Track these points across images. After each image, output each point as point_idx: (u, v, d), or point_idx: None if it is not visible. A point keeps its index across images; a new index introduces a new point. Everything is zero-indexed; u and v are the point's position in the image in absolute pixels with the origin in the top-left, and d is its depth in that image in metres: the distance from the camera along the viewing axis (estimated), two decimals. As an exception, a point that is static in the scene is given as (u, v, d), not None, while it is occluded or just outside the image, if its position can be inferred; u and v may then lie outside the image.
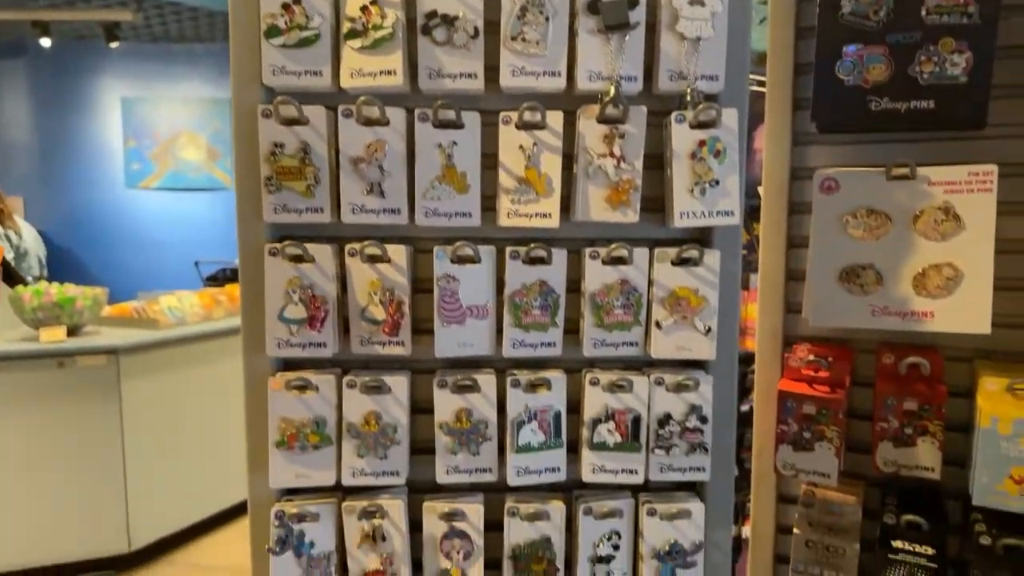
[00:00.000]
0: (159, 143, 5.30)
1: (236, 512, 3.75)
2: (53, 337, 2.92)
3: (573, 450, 0.78)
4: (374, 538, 0.75)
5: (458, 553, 0.76)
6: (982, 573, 0.78)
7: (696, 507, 0.76)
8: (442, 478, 0.75)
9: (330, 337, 0.74)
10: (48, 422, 3.05)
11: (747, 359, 1.04)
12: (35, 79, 5.36)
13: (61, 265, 4.88)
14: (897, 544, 0.82)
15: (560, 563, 0.77)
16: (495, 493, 0.79)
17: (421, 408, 0.78)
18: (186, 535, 3.61)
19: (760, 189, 0.98)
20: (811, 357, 0.88)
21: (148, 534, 3.38)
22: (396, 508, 0.75)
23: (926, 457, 0.84)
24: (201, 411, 3.59)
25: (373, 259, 0.74)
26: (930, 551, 0.81)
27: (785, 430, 0.87)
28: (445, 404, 0.75)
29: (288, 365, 0.78)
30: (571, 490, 0.80)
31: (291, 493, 0.78)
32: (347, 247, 0.74)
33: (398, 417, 0.74)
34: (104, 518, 3.24)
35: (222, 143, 5.28)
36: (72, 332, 3.08)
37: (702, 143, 0.72)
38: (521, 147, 0.71)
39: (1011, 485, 0.76)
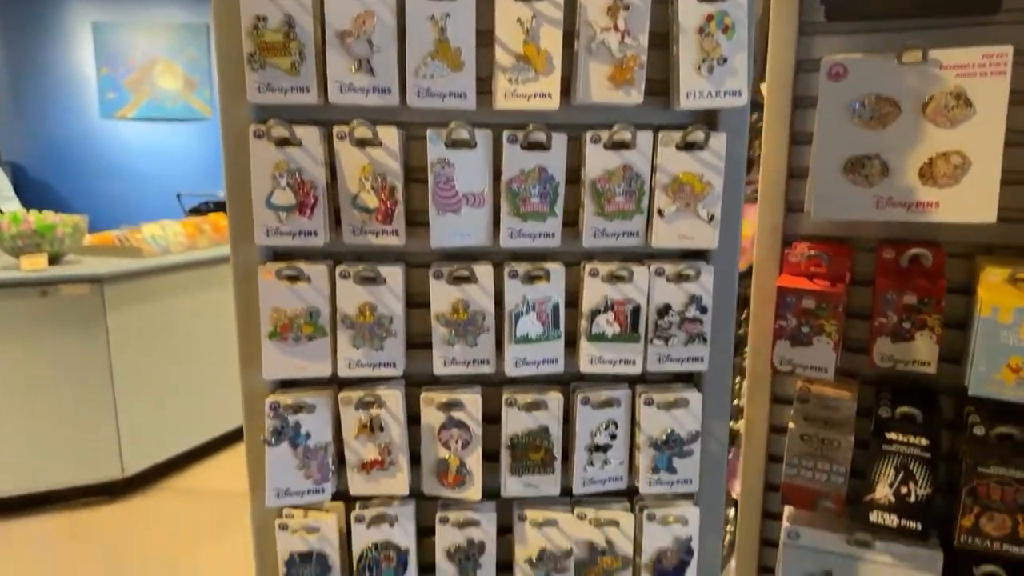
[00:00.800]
0: (134, 70, 5.11)
1: (228, 440, 3.79)
2: (34, 265, 2.86)
3: (571, 343, 0.77)
4: (372, 428, 0.74)
5: (456, 443, 0.76)
6: (975, 461, 0.79)
7: (694, 397, 0.76)
8: (439, 369, 0.74)
9: (320, 225, 0.71)
10: (33, 351, 3.03)
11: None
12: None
13: (38, 199, 4.77)
14: (891, 436, 0.83)
15: (557, 452, 0.77)
16: (493, 387, 0.78)
17: (416, 302, 0.76)
18: (179, 462, 3.65)
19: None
20: (811, 252, 0.87)
21: (141, 461, 3.41)
22: (394, 398, 0.74)
23: (923, 351, 0.84)
24: (188, 340, 3.58)
25: (363, 143, 0.71)
26: (924, 442, 0.82)
27: (783, 325, 0.86)
28: (441, 295, 0.73)
29: (279, 256, 0.75)
30: (569, 383, 0.79)
31: (285, 387, 0.77)
32: (335, 130, 0.71)
33: (393, 308, 0.73)
34: (96, 445, 3.25)
35: (199, 72, 5.10)
36: (54, 261, 3.03)
37: (710, 17, 0.68)
38: (519, 20, 0.68)
39: (1008, 374, 0.76)
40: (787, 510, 0.93)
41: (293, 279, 0.72)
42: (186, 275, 3.52)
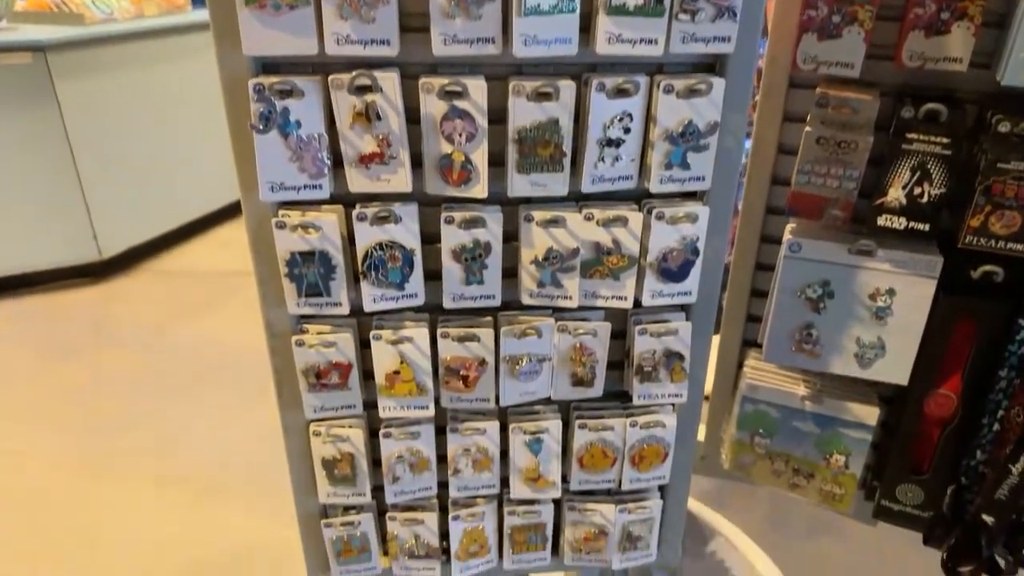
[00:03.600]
0: None
1: (208, 222, 3.74)
2: (-35, 25, 2.59)
3: (585, 28, 0.69)
4: (368, 117, 0.69)
5: (460, 136, 0.71)
6: (995, 158, 0.77)
7: (716, 82, 0.71)
8: (439, 49, 0.67)
9: None
10: (-18, 123, 2.83)
11: None
12: None
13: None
14: (912, 135, 0.80)
15: (567, 148, 0.72)
16: (499, 80, 0.72)
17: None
18: (159, 244, 3.63)
19: None
20: (852, -69, 0.77)
21: (118, 243, 3.38)
22: (390, 81, 0.67)
23: (957, 46, 0.78)
24: (149, 116, 3.40)
25: None
26: (945, 140, 0.78)
27: (812, 16, 0.79)
28: (440, -40, 0.64)
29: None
30: (581, 75, 0.73)
31: (269, 72, 0.70)
32: None
33: (386, -31, 0.63)
34: (68, 227, 3.19)
35: None
36: (-16, 22, 2.74)
37: None
38: None
39: (1050, 57, 0.71)
40: (789, 226, 0.92)
41: (267, -65, 0.62)
42: (136, 46, 3.25)
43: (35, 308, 3.01)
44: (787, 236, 0.90)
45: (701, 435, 1.20)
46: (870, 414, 0.97)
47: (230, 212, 3.69)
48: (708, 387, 1.12)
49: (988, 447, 0.91)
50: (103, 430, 2.26)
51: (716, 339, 1.08)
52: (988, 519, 0.91)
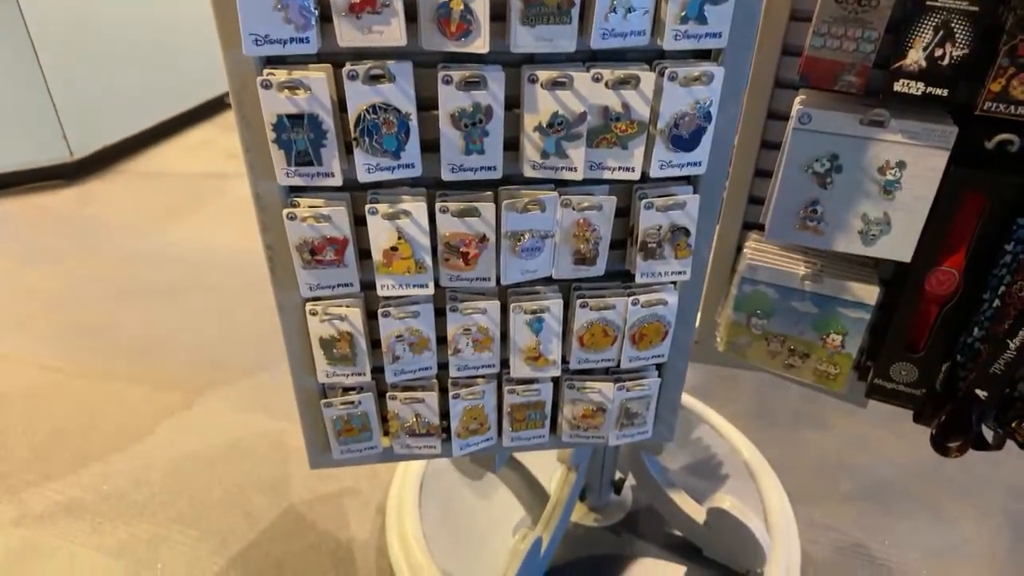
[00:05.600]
0: None
1: (184, 121, 3.60)
2: None
3: None
4: (358, -41, 0.62)
5: (459, -18, 0.65)
6: (1023, 15, 0.73)
7: (739, -76, 0.65)
8: None
9: None
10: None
11: None
12: None
13: None
14: (938, -9, 0.75)
15: (575, -1, 0.67)
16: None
17: None
18: (134, 144, 3.50)
19: None
20: None
21: (89, 143, 3.25)
22: (382, -83, 0.61)
23: None
24: (118, 8, 3.20)
25: None
26: (973, -5, 0.74)
27: None
28: None
29: None
30: (588, -83, 0.67)
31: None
32: None
33: None
34: (34, 126, 3.06)
35: None
36: None
37: None
38: None
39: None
40: (798, 97, 0.88)
41: None
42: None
43: (7, 211, 2.92)
44: (796, 106, 0.86)
45: (696, 320, 1.20)
46: (870, 293, 0.96)
47: (208, 111, 3.54)
48: (706, 272, 1.11)
49: (987, 323, 0.92)
50: (90, 334, 2.24)
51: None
52: (982, 393, 0.93)
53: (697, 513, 1.50)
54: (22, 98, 2.89)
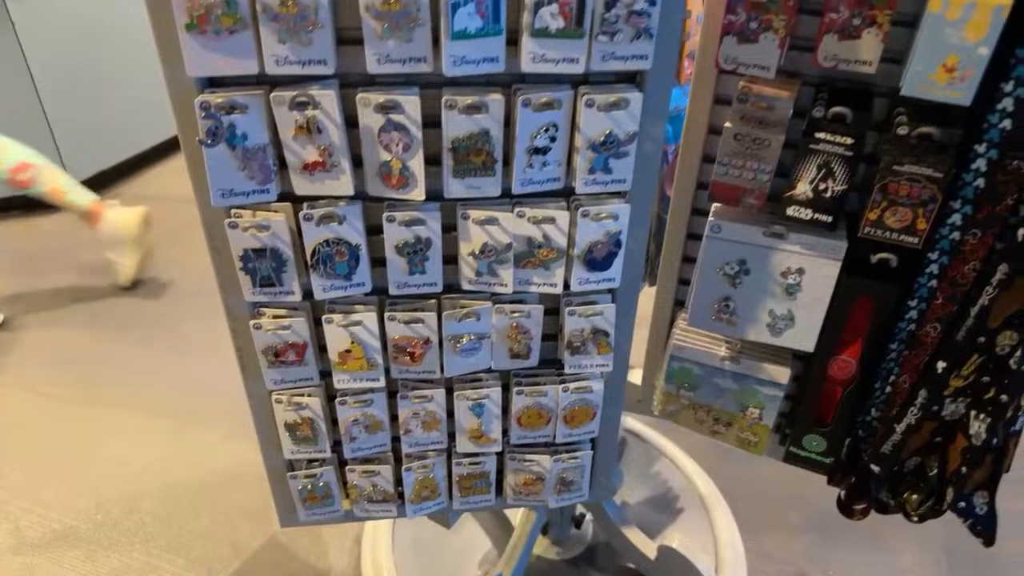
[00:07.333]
0: None
1: (175, 147, 3.69)
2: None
3: (513, 41, 0.74)
4: (309, 130, 0.74)
5: (397, 146, 0.76)
6: (892, 159, 0.84)
7: (634, 97, 0.76)
8: (373, 67, 0.71)
9: None
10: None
11: None
12: None
13: None
14: (820, 135, 0.86)
15: (498, 155, 0.78)
16: (433, 88, 0.76)
17: (344, -10, 0.70)
18: (127, 169, 3.60)
19: None
20: (774, -61, 0.80)
21: (86, 166, 3.35)
22: (328, 98, 0.72)
23: (867, 50, 0.83)
24: (111, 37, 3.30)
25: None
26: (849, 141, 0.85)
27: (732, 20, 0.83)
28: (371, -17, 0.67)
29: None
30: (510, 84, 0.78)
31: (215, 87, 0.74)
32: None
33: (318, -3, 0.67)
34: (32, 147, 3.15)
35: None
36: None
37: None
38: None
39: (941, 74, 0.77)
40: (713, 207, 0.99)
41: (202, -38, 0.65)
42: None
43: (6, 233, 3.03)
44: (710, 218, 0.97)
45: (639, 379, 1.32)
46: (782, 374, 1.08)
47: (198, 133, 3.64)
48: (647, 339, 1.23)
49: (880, 406, 1.03)
50: (83, 359, 2.35)
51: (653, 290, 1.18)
52: (875, 468, 1.04)
53: (649, 550, 1.62)
54: (20, 123, 2.99)
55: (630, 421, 2.07)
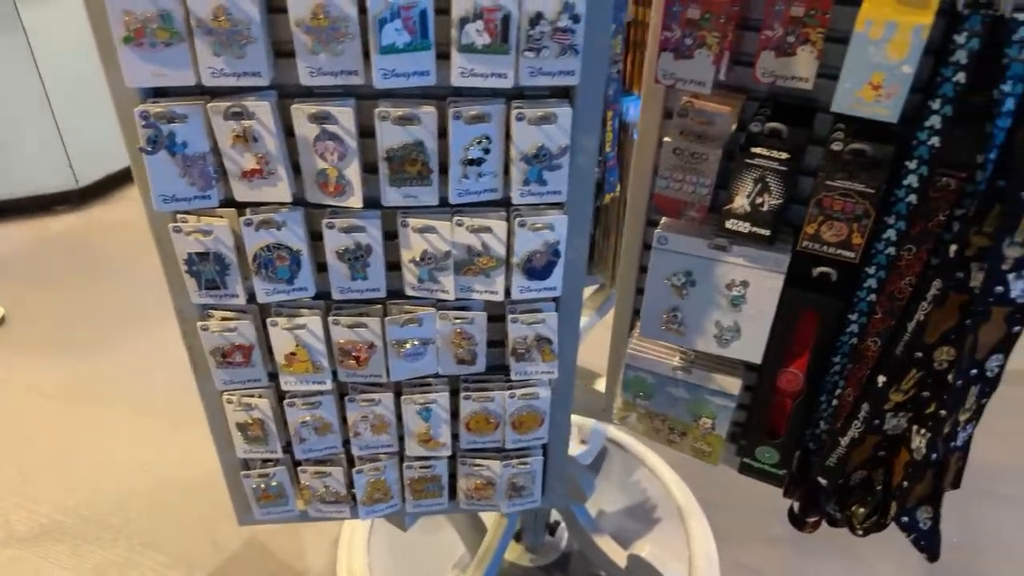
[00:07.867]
0: None
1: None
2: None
3: (447, 55, 0.76)
4: (246, 138, 0.76)
5: (332, 155, 0.78)
6: (825, 175, 0.85)
7: (563, 111, 0.78)
8: (306, 80, 0.74)
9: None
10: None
11: None
12: None
13: None
14: (756, 150, 0.87)
15: (434, 166, 0.81)
16: (369, 99, 0.79)
17: (276, 7, 0.72)
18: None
19: None
20: (707, -43, 0.82)
21: (94, 171, 3.42)
22: (263, 109, 0.75)
23: (803, 67, 0.84)
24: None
25: None
26: (784, 156, 0.86)
27: (668, 36, 0.85)
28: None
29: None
30: (446, 97, 0.80)
31: (158, 97, 0.77)
32: None
33: (249, 12, 0.70)
34: (42, 154, 3.23)
35: None
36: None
37: None
38: None
39: (868, 91, 0.78)
40: (663, 219, 1.01)
41: (139, -21, 0.68)
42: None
43: (17, 235, 3.11)
44: (657, 230, 0.99)
45: (603, 388, 1.33)
46: (732, 385, 1.08)
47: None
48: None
49: (828, 419, 1.04)
50: (82, 357, 2.41)
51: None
52: (822, 481, 1.05)
53: (620, 558, 1.62)
54: (32, 130, 3.08)
55: (611, 431, 2.07)
